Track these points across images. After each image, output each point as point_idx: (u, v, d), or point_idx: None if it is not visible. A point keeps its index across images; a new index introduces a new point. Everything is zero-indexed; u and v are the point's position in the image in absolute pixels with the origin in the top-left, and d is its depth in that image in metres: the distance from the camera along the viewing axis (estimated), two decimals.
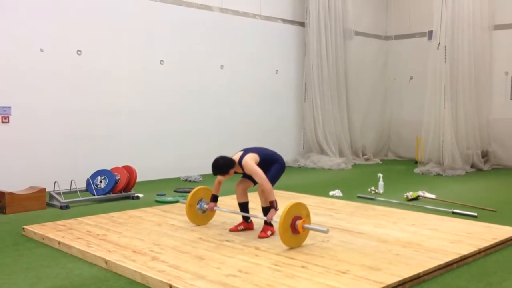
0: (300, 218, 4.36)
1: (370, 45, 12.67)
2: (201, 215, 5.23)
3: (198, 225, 5.20)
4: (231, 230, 4.94)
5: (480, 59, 10.66)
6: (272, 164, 4.82)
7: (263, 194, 4.69)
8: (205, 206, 5.16)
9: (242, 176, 4.97)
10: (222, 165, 4.70)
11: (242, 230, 4.95)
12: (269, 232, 4.73)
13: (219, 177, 4.92)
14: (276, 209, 4.56)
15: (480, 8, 10.53)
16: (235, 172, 4.80)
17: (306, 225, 4.38)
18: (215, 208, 5.12)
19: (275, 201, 4.58)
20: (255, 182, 4.85)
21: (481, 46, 10.68)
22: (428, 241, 4.56)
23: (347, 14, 11.49)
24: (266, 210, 4.72)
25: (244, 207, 4.98)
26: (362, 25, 12.27)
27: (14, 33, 7.20)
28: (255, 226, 5.00)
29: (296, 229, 4.32)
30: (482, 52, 10.71)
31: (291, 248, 4.34)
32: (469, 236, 4.75)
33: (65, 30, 7.67)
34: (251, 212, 5.03)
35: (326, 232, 4.30)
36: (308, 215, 4.47)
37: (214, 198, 5.08)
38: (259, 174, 4.60)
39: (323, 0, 10.98)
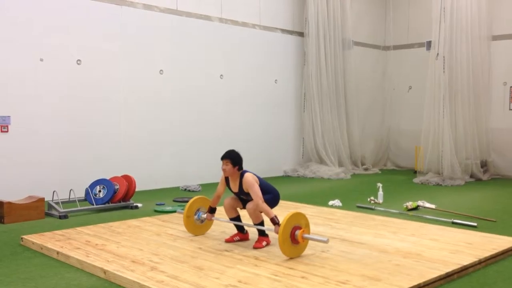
0: (299, 228, 4.34)
1: (369, 55, 12.72)
2: (199, 225, 5.21)
3: (197, 235, 5.18)
4: (227, 241, 4.90)
5: (479, 69, 10.70)
6: (266, 194, 4.72)
7: (254, 213, 4.61)
8: (203, 216, 5.14)
9: (233, 195, 4.89)
10: (237, 155, 4.73)
11: (238, 240, 4.92)
12: (264, 243, 4.69)
13: (218, 190, 4.92)
14: (279, 225, 4.41)
15: (478, 19, 10.59)
16: (228, 187, 4.79)
17: (306, 235, 4.36)
18: (212, 218, 5.10)
19: (276, 216, 4.50)
20: (244, 205, 4.80)
21: (480, 56, 10.72)
22: (428, 251, 4.55)
23: (346, 24, 11.55)
24: (259, 229, 4.70)
25: (236, 220, 4.93)
26: (361, 35, 12.33)
27: (14, 43, 7.21)
28: (250, 236, 4.97)
29: (295, 239, 4.30)
30: (480, 62, 10.75)
31: (291, 258, 4.32)
32: (469, 247, 4.73)
33: (64, 39, 7.69)
34: (245, 222, 5.01)
35: (326, 242, 4.28)
36: (307, 225, 4.45)
37: (212, 210, 5.06)
38: (256, 191, 4.57)
39: (322, 10, 11.04)
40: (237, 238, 4.93)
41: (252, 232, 5.01)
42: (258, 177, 4.80)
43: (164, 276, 3.82)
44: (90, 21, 7.96)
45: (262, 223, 4.69)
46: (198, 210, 5.18)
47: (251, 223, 4.81)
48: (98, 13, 8.05)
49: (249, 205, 4.63)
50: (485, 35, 10.88)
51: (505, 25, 11.00)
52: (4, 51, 7.13)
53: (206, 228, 5.29)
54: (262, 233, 4.71)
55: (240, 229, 4.96)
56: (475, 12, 10.51)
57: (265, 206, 4.53)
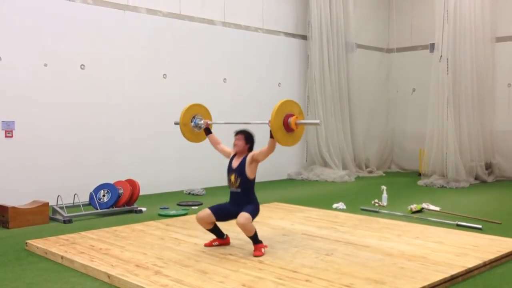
0: (292, 115, 4.34)
1: (372, 58, 12.71)
2: (197, 132, 5.21)
3: (195, 142, 5.28)
4: (206, 245, 4.84)
5: (483, 71, 10.67)
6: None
7: (246, 225, 4.43)
8: (200, 122, 5.14)
9: (206, 210, 4.75)
10: (251, 134, 4.76)
11: (217, 245, 4.83)
12: (263, 249, 4.57)
13: (223, 146, 5.03)
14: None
15: (481, 21, 10.56)
16: (229, 164, 4.74)
17: (299, 121, 4.35)
18: (209, 122, 5.17)
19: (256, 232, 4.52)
20: (218, 218, 4.69)
21: (484, 58, 10.69)
22: (433, 254, 4.53)
23: (349, 27, 11.54)
24: (252, 239, 4.60)
25: (213, 230, 4.81)
26: (364, 38, 12.32)
27: (18, 48, 7.25)
28: (246, 245, 4.81)
29: (289, 126, 4.30)
30: (484, 64, 10.72)
31: (287, 146, 4.41)
32: (474, 249, 4.71)
33: (68, 44, 7.72)
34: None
35: (319, 123, 4.41)
36: (301, 113, 4.44)
37: (208, 131, 5.20)
38: (264, 149, 4.51)
39: (325, 13, 11.04)
40: (216, 243, 4.85)
41: (248, 241, 4.89)
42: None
43: (168, 280, 3.82)
44: (93, 26, 7.99)
45: (255, 235, 4.54)
46: (194, 117, 5.17)
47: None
48: (101, 17, 8.08)
49: (240, 219, 4.43)
50: (488, 37, 10.85)
51: (508, 27, 10.97)
52: (8, 56, 7.16)
53: (204, 136, 5.29)
54: (256, 241, 4.59)
55: (219, 235, 4.86)
56: (478, 14, 10.48)
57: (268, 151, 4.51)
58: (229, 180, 4.72)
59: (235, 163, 4.71)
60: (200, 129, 5.22)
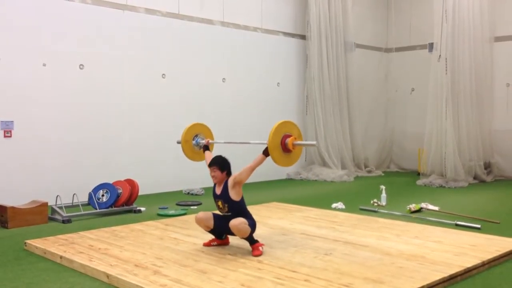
0: (290, 136, 4.37)
1: (371, 58, 12.72)
2: (197, 150, 5.25)
3: (195, 161, 5.31)
4: (205, 245, 4.85)
5: (481, 71, 10.69)
6: (249, 218, 4.63)
7: (239, 227, 4.43)
8: (202, 141, 5.18)
9: (206, 212, 4.78)
10: (224, 160, 4.69)
11: (216, 245, 4.82)
12: (260, 248, 4.57)
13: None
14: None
15: (480, 20, 10.58)
16: (213, 192, 4.71)
17: (296, 142, 4.38)
18: (210, 141, 5.20)
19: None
20: (215, 223, 4.69)
21: (482, 58, 10.71)
22: (431, 254, 4.54)
23: (347, 26, 11.55)
24: (248, 240, 4.60)
25: (212, 231, 4.80)
26: (363, 38, 12.32)
27: (17, 48, 7.24)
28: (244, 245, 4.82)
29: (286, 147, 4.31)
30: (483, 64, 10.74)
31: (283, 166, 4.39)
32: (473, 249, 4.72)
33: (67, 44, 7.71)
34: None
35: (316, 145, 4.38)
36: (300, 135, 4.47)
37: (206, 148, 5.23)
38: (245, 168, 4.51)
39: (323, 13, 11.05)
40: (214, 243, 4.85)
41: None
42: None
43: (167, 280, 3.82)
44: (92, 25, 7.99)
45: (251, 236, 4.54)
46: (196, 136, 5.21)
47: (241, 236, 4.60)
48: (100, 17, 8.07)
49: (234, 221, 4.43)
50: (487, 37, 10.86)
51: (507, 27, 10.98)
52: (7, 56, 7.16)
53: (203, 155, 5.32)
54: (252, 242, 4.58)
55: (218, 235, 4.85)
56: (477, 14, 10.50)
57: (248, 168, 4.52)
58: (218, 206, 4.72)
59: (218, 190, 4.67)
60: (200, 148, 5.29)
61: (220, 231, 4.77)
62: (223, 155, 4.81)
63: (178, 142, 5.42)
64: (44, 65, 7.49)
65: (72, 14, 7.76)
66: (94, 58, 8.01)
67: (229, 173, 4.68)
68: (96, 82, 8.04)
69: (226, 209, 4.62)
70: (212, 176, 4.68)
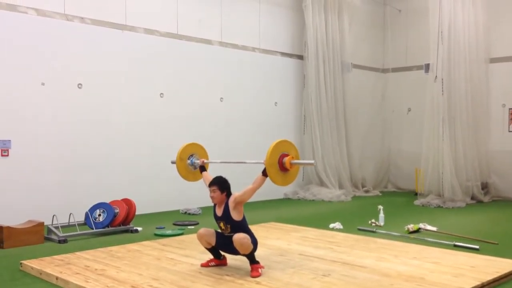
0: (288, 155, 4.38)
1: (368, 78, 12.81)
2: (192, 171, 5.25)
3: (189, 181, 5.30)
4: (202, 265, 4.82)
5: (477, 91, 10.76)
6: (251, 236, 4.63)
7: (242, 242, 4.43)
8: (197, 161, 5.18)
9: (208, 229, 4.77)
10: (224, 181, 4.69)
11: (214, 266, 4.80)
12: (260, 270, 4.55)
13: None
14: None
15: (475, 42, 10.69)
16: (213, 213, 4.70)
17: (294, 161, 4.39)
18: (205, 161, 5.20)
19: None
20: (217, 241, 4.69)
21: (478, 78, 10.79)
22: (430, 275, 4.51)
23: (344, 47, 11.65)
24: (249, 257, 4.58)
25: (212, 250, 4.80)
26: (359, 58, 12.43)
27: (15, 67, 7.27)
28: (242, 264, 4.81)
29: (283, 166, 4.30)
30: (479, 84, 10.82)
31: (280, 185, 4.41)
32: (472, 270, 4.70)
33: (65, 63, 7.75)
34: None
35: (314, 164, 4.52)
36: (297, 155, 4.47)
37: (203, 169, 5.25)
38: (247, 189, 4.51)
39: (321, 33, 11.15)
40: (212, 263, 4.82)
41: (245, 261, 4.87)
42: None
43: None
44: (91, 45, 8.03)
45: (252, 254, 4.53)
46: (191, 156, 5.21)
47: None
48: (99, 37, 8.12)
49: (237, 235, 4.43)
50: (482, 58, 10.96)
51: (502, 48, 11.09)
52: (5, 75, 7.18)
53: (198, 176, 5.32)
54: (253, 261, 4.57)
55: (217, 255, 4.83)
56: (473, 35, 10.61)
57: (250, 188, 4.51)
58: (220, 227, 4.71)
59: (219, 211, 4.66)
60: (195, 169, 5.33)
61: (221, 250, 4.74)
62: (222, 174, 4.81)
63: (173, 162, 5.42)
64: (43, 84, 7.51)
65: (71, 34, 7.81)
66: (93, 77, 8.04)
67: (228, 194, 4.67)
68: (94, 102, 8.06)
69: (229, 229, 4.59)
70: (211, 197, 4.67)
